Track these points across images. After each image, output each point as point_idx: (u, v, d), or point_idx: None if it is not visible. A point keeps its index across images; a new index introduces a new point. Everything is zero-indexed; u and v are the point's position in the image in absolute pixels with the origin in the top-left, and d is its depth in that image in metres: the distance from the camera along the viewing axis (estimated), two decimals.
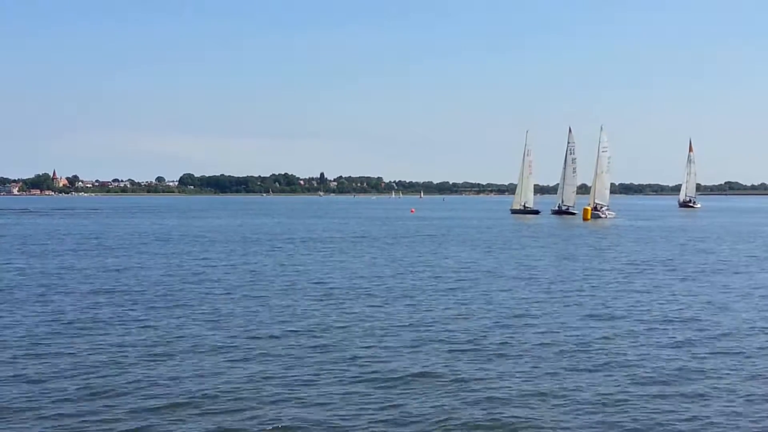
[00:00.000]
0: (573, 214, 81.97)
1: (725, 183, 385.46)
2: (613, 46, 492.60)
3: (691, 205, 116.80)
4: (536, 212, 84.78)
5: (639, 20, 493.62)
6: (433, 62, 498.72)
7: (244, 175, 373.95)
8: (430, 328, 16.69)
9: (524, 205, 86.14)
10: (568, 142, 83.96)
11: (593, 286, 23.97)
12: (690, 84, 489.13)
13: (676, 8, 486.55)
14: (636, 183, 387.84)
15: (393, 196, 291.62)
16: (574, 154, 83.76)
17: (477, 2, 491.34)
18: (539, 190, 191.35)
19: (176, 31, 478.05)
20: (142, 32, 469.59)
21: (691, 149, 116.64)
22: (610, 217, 76.88)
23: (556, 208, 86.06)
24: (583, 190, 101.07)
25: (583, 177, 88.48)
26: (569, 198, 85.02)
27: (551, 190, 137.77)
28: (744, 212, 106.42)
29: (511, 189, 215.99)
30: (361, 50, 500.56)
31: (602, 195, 79.61)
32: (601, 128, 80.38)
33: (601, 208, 77.93)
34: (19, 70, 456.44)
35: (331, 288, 23.33)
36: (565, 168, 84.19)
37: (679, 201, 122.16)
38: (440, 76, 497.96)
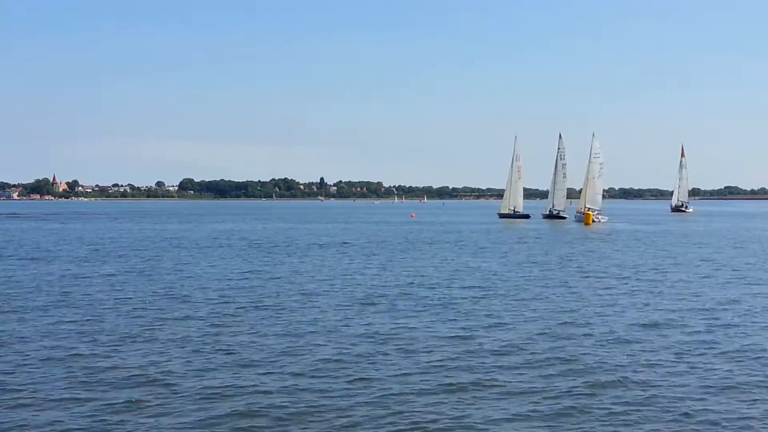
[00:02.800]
0: (564, 218, 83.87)
1: (725, 188, 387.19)
2: (612, 51, 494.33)
3: (683, 209, 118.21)
4: (526, 216, 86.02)
5: (639, 25, 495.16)
6: (432, 68, 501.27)
7: (244, 180, 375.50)
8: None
9: (514, 210, 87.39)
10: (558, 148, 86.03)
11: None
12: (689, 89, 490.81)
13: (677, 14, 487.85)
14: (636, 188, 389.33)
15: (395, 200, 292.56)
16: (564, 159, 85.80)
17: (476, 11, 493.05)
18: (539, 194, 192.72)
19: (176, 37, 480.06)
20: (143, 38, 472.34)
21: (683, 154, 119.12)
22: (602, 222, 78.49)
23: (548, 212, 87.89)
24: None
25: (579, 182, 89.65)
26: (560, 203, 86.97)
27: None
28: (736, 216, 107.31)
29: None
30: (360, 56, 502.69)
31: (594, 200, 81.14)
32: (593, 135, 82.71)
33: (593, 212, 79.43)
34: (19, 75, 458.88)
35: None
36: (555, 173, 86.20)
37: (671, 206, 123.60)
38: (440, 81, 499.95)
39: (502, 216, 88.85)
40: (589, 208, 79.32)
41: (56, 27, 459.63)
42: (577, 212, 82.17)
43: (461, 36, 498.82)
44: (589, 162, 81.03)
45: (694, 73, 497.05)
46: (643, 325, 17.78)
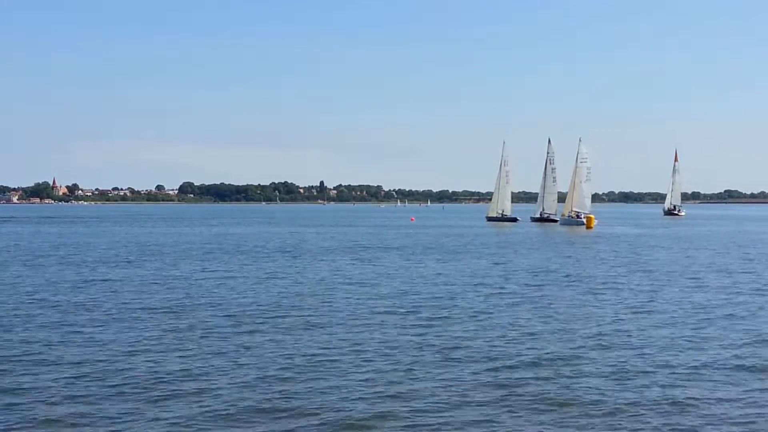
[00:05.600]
0: (555, 221, 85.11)
1: (725, 191, 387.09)
2: (612, 53, 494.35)
3: (675, 213, 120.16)
4: (514, 219, 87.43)
5: (639, 27, 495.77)
6: (432, 72, 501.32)
7: (244, 184, 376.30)
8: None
9: (502, 213, 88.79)
10: (548, 153, 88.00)
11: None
12: (690, 91, 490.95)
13: (678, 15, 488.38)
14: (636, 191, 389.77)
15: (398, 204, 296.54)
16: (553, 164, 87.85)
17: (476, 16, 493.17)
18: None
19: (176, 41, 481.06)
20: (143, 43, 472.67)
21: (676, 159, 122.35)
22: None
23: (538, 215, 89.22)
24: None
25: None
26: (550, 206, 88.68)
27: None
28: (726, 220, 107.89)
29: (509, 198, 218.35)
30: (360, 59, 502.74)
31: (582, 203, 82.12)
32: (580, 140, 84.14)
33: (580, 216, 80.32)
34: (19, 78, 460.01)
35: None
36: (545, 177, 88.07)
37: (664, 209, 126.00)
38: (439, 86, 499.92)
39: (490, 219, 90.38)
40: (577, 212, 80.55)
41: (56, 31, 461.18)
42: (562, 216, 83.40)
43: (460, 39, 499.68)
44: (576, 166, 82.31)
45: (694, 75, 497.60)
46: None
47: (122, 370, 13.57)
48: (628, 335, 17.04)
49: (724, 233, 68.28)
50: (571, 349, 15.46)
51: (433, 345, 15.83)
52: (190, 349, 15.32)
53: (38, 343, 15.94)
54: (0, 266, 34.04)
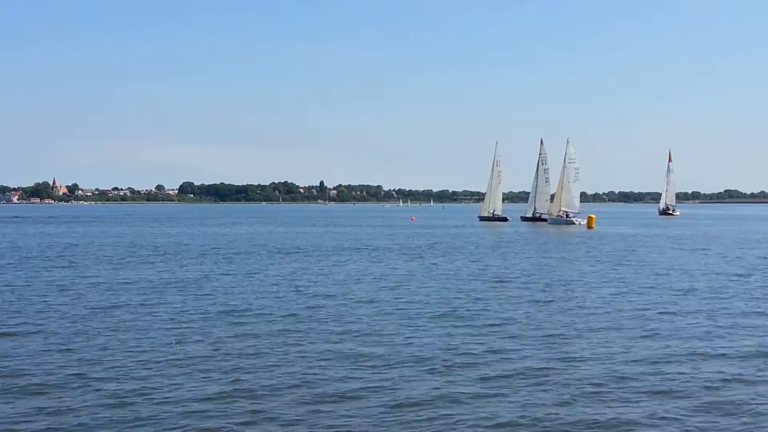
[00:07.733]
0: (544, 221, 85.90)
1: (724, 191, 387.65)
2: (613, 53, 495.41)
3: (670, 212, 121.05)
4: (504, 219, 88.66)
5: (639, 27, 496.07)
6: (432, 72, 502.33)
7: (244, 184, 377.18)
8: None
9: (493, 213, 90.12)
10: (540, 154, 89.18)
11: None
12: (690, 91, 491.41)
13: (677, 15, 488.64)
14: (636, 191, 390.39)
15: (401, 204, 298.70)
16: (546, 164, 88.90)
17: (476, 17, 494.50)
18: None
19: (176, 41, 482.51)
20: (142, 42, 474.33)
21: (670, 159, 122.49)
22: (582, 224, 79.84)
23: (530, 215, 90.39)
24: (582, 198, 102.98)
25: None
26: (542, 206, 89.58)
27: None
28: (720, 219, 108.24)
29: (510, 197, 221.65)
30: (359, 59, 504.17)
31: (571, 203, 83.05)
32: (567, 141, 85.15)
33: (569, 215, 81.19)
34: (20, 78, 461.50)
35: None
36: (537, 178, 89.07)
37: (659, 209, 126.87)
38: (439, 86, 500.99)
39: (482, 219, 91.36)
40: (566, 212, 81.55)
41: (56, 31, 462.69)
42: (550, 215, 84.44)
43: (460, 39, 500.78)
44: (564, 167, 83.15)
45: (693, 75, 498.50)
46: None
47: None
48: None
49: (703, 233, 68.78)
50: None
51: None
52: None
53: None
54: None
